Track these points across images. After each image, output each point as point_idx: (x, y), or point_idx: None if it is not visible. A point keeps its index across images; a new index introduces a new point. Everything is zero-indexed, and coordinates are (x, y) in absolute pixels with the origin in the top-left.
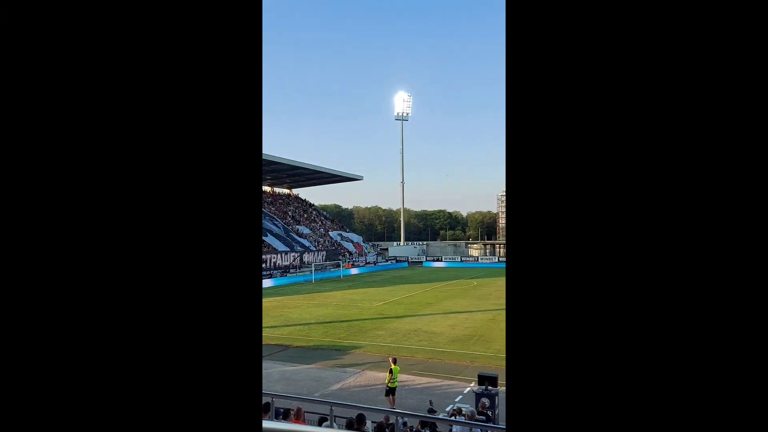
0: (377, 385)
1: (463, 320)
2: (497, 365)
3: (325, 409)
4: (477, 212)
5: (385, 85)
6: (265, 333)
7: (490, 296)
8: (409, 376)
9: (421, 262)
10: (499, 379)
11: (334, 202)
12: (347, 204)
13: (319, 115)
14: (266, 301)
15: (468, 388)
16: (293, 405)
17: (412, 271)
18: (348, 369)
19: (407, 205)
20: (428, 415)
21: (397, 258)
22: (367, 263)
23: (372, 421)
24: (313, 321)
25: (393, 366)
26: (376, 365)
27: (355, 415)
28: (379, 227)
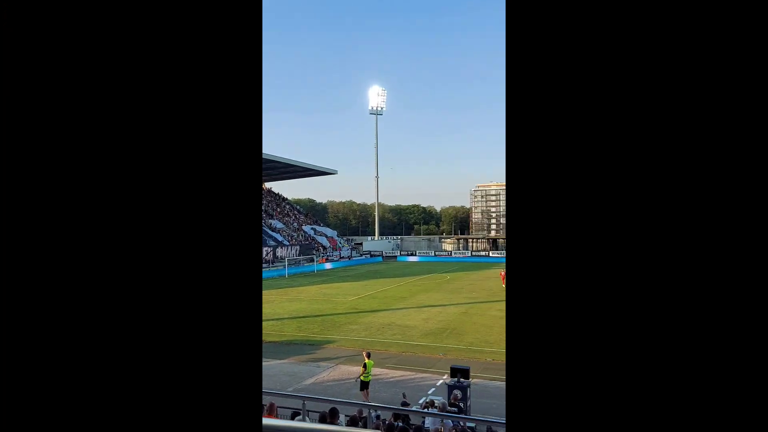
0: (351, 379)
1: (437, 314)
2: (470, 357)
3: (297, 404)
4: (451, 207)
5: (360, 79)
6: None
7: (463, 290)
8: (383, 369)
9: (396, 256)
10: (470, 371)
11: (308, 196)
12: (321, 198)
13: (292, 109)
14: None
15: (441, 381)
16: (266, 400)
17: (386, 265)
18: (321, 363)
19: (382, 200)
20: (401, 408)
21: (372, 252)
22: (341, 258)
23: (345, 415)
24: (286, 316)
25: (367, 360)
26: (350, 359)
27: (328, 409)
28: (353, 222)
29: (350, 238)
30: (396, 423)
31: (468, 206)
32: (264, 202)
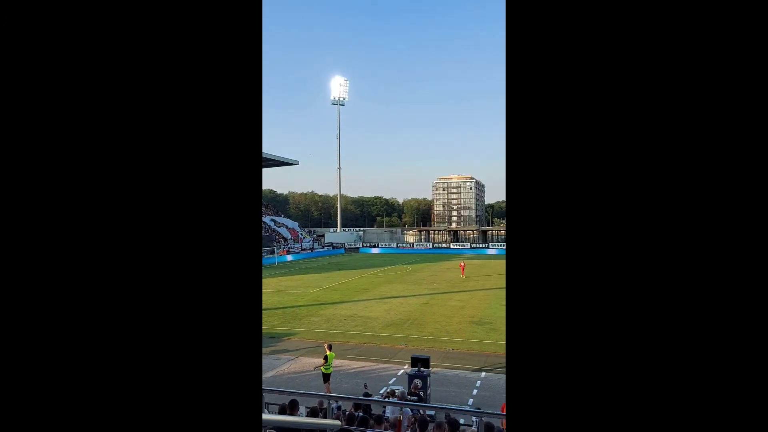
0: (312, 371)
1: (398, 305)
2: (430, 347)
3: None
4: (413, 199)
5: (322, 69)
6: None
7: (424, 281)
8: (345, 361)
9: (358, 248)
10: (431, 360)
11: (268, 187)
12: (282, 189)
13: None
14: None
15: (402, 371)
16: None
17: (348, 257)
18: (282, 356)
19: (344, 192)
20: (361, 398)
21: (334, 244)
22: (303, 249)
23: (306, 407)
24: None
25: (328, 352)
26: (311, 351)
27: (288, 401)
28: (315, 213)
29: (312, 229)
30: (357, 413)
31: (430, 198)
32: None
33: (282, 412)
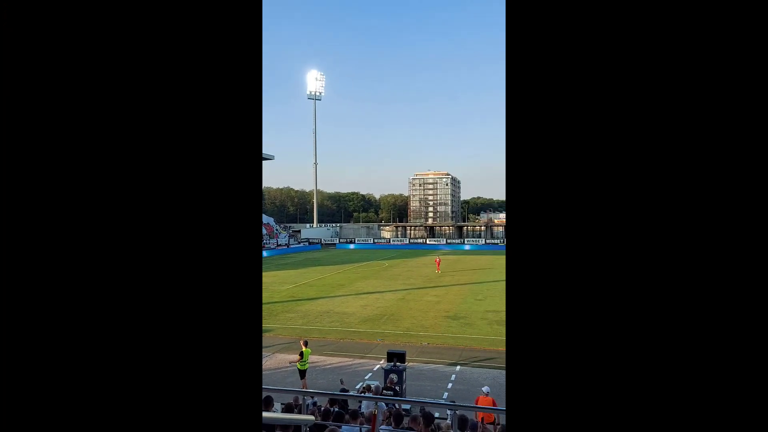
0: (287, 367)
1: (375, 300)
2: (406, 342)
3: None
4: (390, 195)
5: (298, 63)
6: None
7: (401, 276)
8: (321, 356)
9: (335, 244)
10: (407, 355)
11: None
12: None
13: None
14: None
15: (378, 366)
16: None
17: (325, 253)
18: None
19: (320, 187)
20: (335, 393)
21: (310, 240)
22: (278, 245)
23: (281, 403)
24: None
25: (304, 348)
26: (287, 348)
27: (263, 397)
28: (291, 209)
29: (288, 225)
30: (332, 408)
31: (406, 194)
32: None
33: None
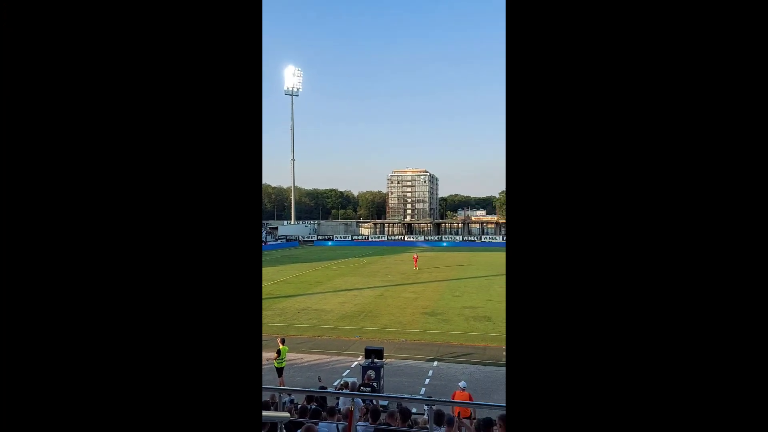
0: (264, 365)
1: (353, 297)
2: (384, 338)
3: None
4: (368, 192)
5: (275, 59)
6: None
7: (379, 273)
8: (298, 354)
9: (313, 241)
10: (384, 351)
11: None
12: None
13: None
14: None
15: (356, 362)
16: None
17: (303, 250)
18: None
19: (298, 184)
20: (312, 389)
21: (288, 237)
22: None
23: None
24: None
25: (281, 346)
26: (264, 346)
27: None
28: (268, 205)
29: (265, 222)
30: (309, 406)
31: (385, 191)
32: None
33: None
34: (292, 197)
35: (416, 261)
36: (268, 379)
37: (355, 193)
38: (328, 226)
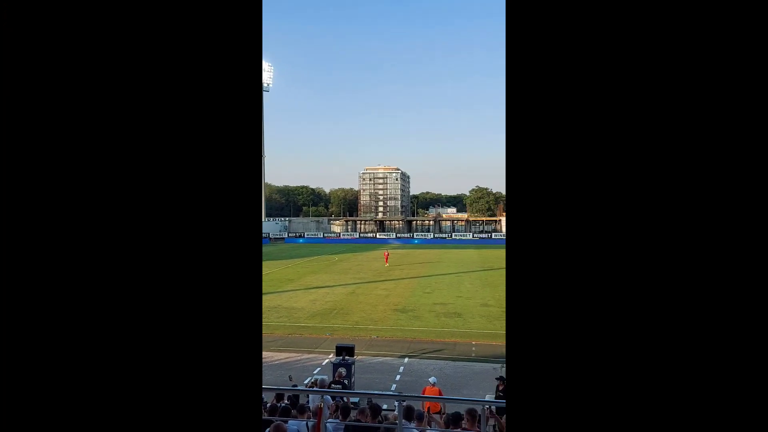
0: None
1: (324, 295)
2: (355, 336)
3: None
4: (340, 189)
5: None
6: None
7: (351, 270)
8: (268, 353)
9: (284, 238)
10: (355, 348)
11: None
12: None
13: None
14: None
15: (327, 360)
16: None
17: (273, 247)
18: None
19: (269, 180)
20: (281, 387)
21: None
22: None
23: None
24: None
25: None
26: None
27: None
28: None
29: None
30: (279, 404)
31: (357, 189)
32: None
33: None
34: (263, 194)
35: (387, 258)
36: None
37: (327, 190)
38: (299, 223)
